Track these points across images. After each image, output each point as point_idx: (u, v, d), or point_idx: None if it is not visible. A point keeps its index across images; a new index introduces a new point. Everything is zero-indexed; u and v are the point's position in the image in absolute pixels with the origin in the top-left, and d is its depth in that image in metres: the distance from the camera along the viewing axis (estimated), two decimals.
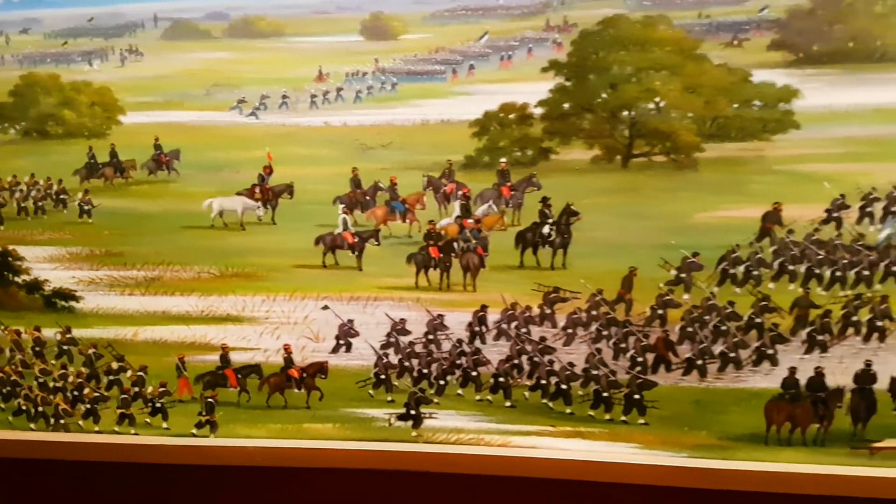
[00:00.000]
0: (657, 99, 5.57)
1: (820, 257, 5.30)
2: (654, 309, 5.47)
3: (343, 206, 5.89)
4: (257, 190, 6.03)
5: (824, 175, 5.35)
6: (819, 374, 5.15)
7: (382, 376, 5.77)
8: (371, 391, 5.80)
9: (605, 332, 5.55)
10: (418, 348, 5.75)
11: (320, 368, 5.84)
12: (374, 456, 5.65)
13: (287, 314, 5.87)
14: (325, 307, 5.79)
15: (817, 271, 5.32)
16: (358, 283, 5.94)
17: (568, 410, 5.68)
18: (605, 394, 5.52)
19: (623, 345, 5.53)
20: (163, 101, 6.03)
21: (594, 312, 5.60)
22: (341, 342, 5.83)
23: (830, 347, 5.19)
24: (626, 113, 5.62)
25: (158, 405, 6.13)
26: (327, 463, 5.63)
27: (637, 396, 5.43)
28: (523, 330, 5.67)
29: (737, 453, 5.34)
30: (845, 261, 5.29)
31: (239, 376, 5.97)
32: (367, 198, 5.95)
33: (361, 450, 5.69)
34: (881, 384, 5.12)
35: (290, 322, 5.87)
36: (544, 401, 5.69)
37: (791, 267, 5.39)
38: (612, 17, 5.54)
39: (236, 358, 5.94)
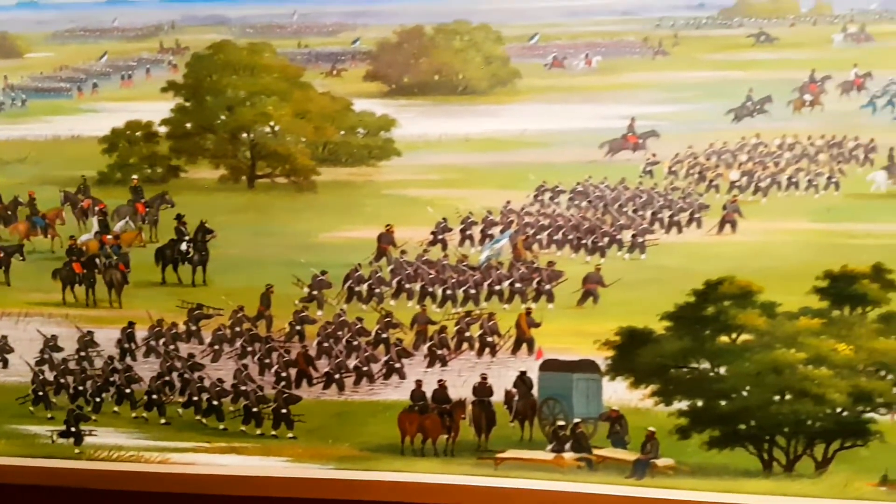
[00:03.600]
0: (272, 123, 5.55)
1: (431, 276, 5.41)
2: (293, 325, 5.53)
3: None
4: None
5: (427, 200, 5.48)
6: (442, 387, 5.34)
7: (40, 393, 5.81)
8: (31, 408, 5.82)
9: (249, 348, 5.61)
10: (72, 365, 5.73)
11: None
12: (39, 472, 5.74)
13: None
14: None
15: (430, 289, 5.40)
16: (7, 299, 5.93)
17: (221, 426, 5.71)
18: (254, 409, 5.63)
19: (267, 360, 5.59)
20: None
21: (238, 329, 5.64)
22: None
23: (450, 361, 5.36)
24: (245, 135, 5.60)
25: None
26: None
27: (284, 411, 5.57)
28: (171, 347, 5.69)
29: (377, 464, 5.45)
30: (453, 279, 5.39)
31: None
32: (9, 213, 5.83)
33: (26, 466, 5.76)
34: (498, 396, 5.23)
35: None
36: (198, 417, 5.71)
37: (407, 285, 5.47)
38: (219, 43, 5.57)
39: None
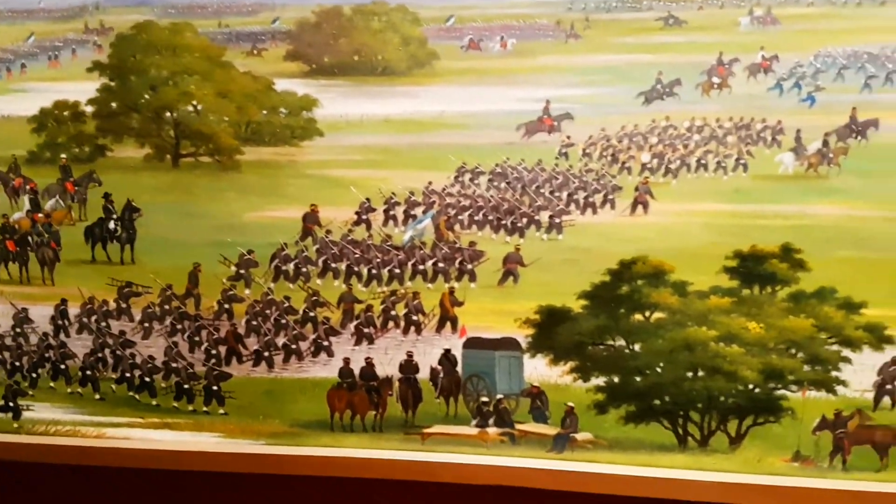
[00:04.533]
0: (194, 102, 5.58)
1: (357, 256, 5.48)
2: (221, 303, 5.61)
3: None
4: None
5: (350, 180, 5.51)
6: (369, 365, 5.42)
7: None
8: None
9: (179, 326, 5.69)
10: (8, 341, 5.80)
11: None
12: None
13: None
14: None
15: (356, 269, 5.50)
16: None
17: (154, 402, 5.79)
18: (185, 385, 5.72)
19: (197, 338, 5.67)
20: None
21: (167, 307, 5.70)
22: None
23: (376, 339, 5.44)
24: (168, 114, 5.62)
25: None
26: None
27: (215, 387, 5.66)
28: (103, 324, 5.76)
29: (307, 440, 5.54)
30: (378, 259, 5.48)
31: None
32: None
33: None
34: (423, 373, 5.36)
35: None
36: (131, 393, 5.80)
37: (333, 265, 5.56)
38: (142, 23, 5.57)
39: None
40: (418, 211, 5.52)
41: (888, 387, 4.87)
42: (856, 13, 5.04)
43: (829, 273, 4.88)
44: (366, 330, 5.47)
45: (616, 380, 5.14)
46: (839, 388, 4.95)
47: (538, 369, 5.29)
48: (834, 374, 4.95)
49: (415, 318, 5.44)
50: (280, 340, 5.64)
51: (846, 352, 4.91)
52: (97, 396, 5.89)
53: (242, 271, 5.56)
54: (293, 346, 5.55)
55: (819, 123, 5.12)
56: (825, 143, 5.10)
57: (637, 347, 5.09)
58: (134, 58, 5.54)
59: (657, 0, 5.30)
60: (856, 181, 5.01)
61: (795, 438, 4.96)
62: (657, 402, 5.07)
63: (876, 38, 5.10)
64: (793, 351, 4.93)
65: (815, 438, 4.94)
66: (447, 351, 5.42)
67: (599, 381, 5.16)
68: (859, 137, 5.03)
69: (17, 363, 5.89)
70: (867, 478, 4.84)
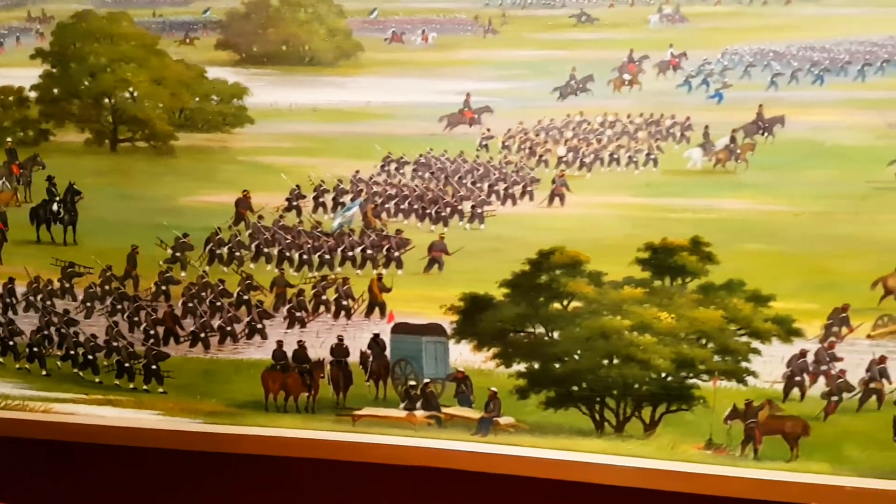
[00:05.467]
0: (131, 89, 5.70)
1: (288, 241, 5.62)
2: (158, 285, 5.76)
3: None
4: None
5: (281, 167, 5.64)
6: (302, 347, 5.56)
7: None
8: None
9: (119, 306, 5.83)
10: None
11: None
12: None
13: None
14: None
15: (288, 254, 5.64)
16: None
17: (97, 379, 5.95)
18: (126, 364, 5.87)
19: (136, 318, 5.82)
20: None
21: (107, 287, 5.86)
22: None
23: (308, 323, 5.57)
24: (107, 100, 5.74)
25: None
26: None
27: (154, 366, 5.81)
28: (48, 302, 5.92)
29: (243, 419, 5.69)
30: (309, 245, 5.61)
31: None
32: None
33: None
34: (353, 357, 5.52)
35: None
36: (75, 370, 5.95)
37: (266, 249, 5.69)
38: (81, 12, 5.70)
39: None
40: (347, 199, 5.64)
41: (797, 379, 4.96)
42: (762, 12, 5.12)
43: (738, 266, 4.96)
44: (298, 314, 5.59)
45: (536, 366, 5.25)
46: (749, 379, 5.05)
47: (463, 355, 5.40)
48: (744, 364, 5.04)
49: (345, 303, 5.56)
50: (215, 322, 5.76)
51: (755, 343, 5.01)
52: (44, 373, 6.03)
53: (178, 254, 5.68)
54: (228, 328, 5.69)
55: (727, 120, 5.21)
56: (732, 140, 5.18)
57: (556, 335, 5.21)
58: (74, 45, 5.67)
59: None
60: (762, 176, 5.09)
61: (708, 427, 5.06)
62: (575, 388, 5.18)
63: (782, 37, 5.19)
64: (703, 341, 5.03)
65: (727, 427, 5.03)
66: (376, 335, 5.55)
67: (521, 367, 5.27)
68: (766, 134, 5.11)
69: None
70: (778, 467, 4.95)
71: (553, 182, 5.48)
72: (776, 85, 5.20)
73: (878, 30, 5.09)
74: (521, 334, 5.30)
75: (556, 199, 5.38)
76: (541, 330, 5.25)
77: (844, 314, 4.94)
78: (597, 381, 5.15)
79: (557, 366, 5.25)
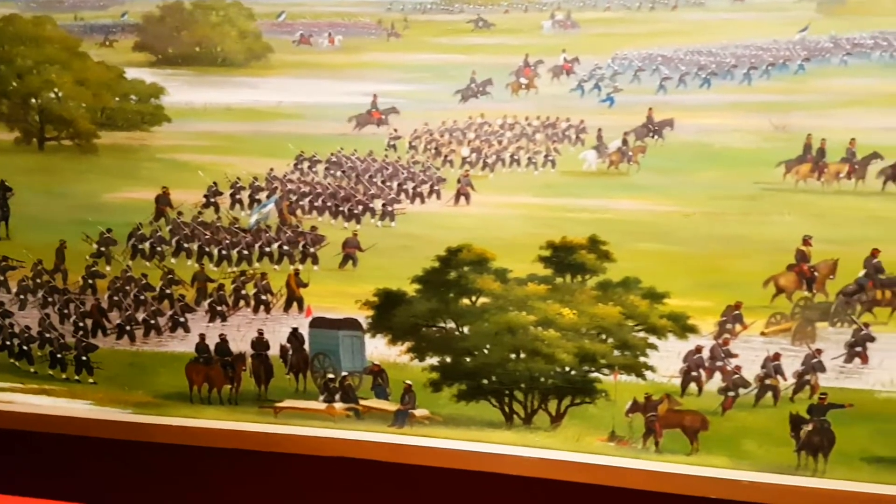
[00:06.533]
0: (56, 89, 5.84)
1: (207, 237, 5.76)
2: (85, 279, 5.91)
3: None
4: None
5: (198, 164, 5.80)
6: (223, 341, 5.70)
7: None
8: None
9: (50, 299, 5.99)
10: None
11: None
12: None
13: None
14: None
15: (207, 249, 5.79)
16: None
17: (32, 369, 6.11)
18: (59, 355, 6.02)
19: (66, 310, 5.97)
20: None
21: (38, 280, 6.01)
22: None
23: (229, 317, 5.72)
24: (33, 100, 5.88)
25: None
26: None
27: (84, 358, 5.96)
28: None
29: (169, 410, 5.86)
30: (227, 241, 5.75)
31: None
32: None
33: None
34: (274, 350, 5.66)
35: None
36: (12, 360, 6.12)
37: (186, 245, 5.83)
38: (8, 16, 5.86)
39: None
40: (262, 196, 5.75)
41: (694, 374, 5.06)
42: (649, 17, 5.22)
43: (634, 264, 5.09)
44: (219, 308, 5.74)
45: (448, 360, 5.40)
46: (648, 374, 5.18)
47: (378, 349, 5.54)
48: (642, 359, 5.17)
49: (263, 297, 5.69)
50: (140, 315, 5.88)
51: (652, 339, 5.14)
52: None
53: (103, 249, 5.81)
54: (152, 322, 5.83)
55: (619, 123, 5.31)
56: (624, 142, 5.30)
57: (466, 330, 5.34)
58: (2, 48, 5.77)
59: (467, 3, 5.42)
60: (654, 178, 5.20)
61: (610, 419, 5.20)
62: (485, 381, 5.32)
63: (669, 42, 5.30)
64: (603, 336, 5.16)
65: (629, 420, 5.17)
66: (295, 330, 5.69)
67: (434, 360, 5.41)
68: (656, 136, 5.21)
69: None
70: (679, 460, 5.08)
71: (458, 182, 5.61)
72: (665, 89, 5.31)
73: (763, 34, 5.18)
74: (434, 329, 5.43)
75: (462, 199, 5.51)
76: (452, 325, 5.37)
77: (738, 312, 5.03)
78: (505, 374, 5.26)
79: (468, 360, 5.38)
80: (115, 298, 5.90)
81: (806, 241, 4.92)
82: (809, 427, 4.93)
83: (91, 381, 5.97)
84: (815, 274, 4.97)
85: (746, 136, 5.09)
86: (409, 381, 5.49)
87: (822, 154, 4.99)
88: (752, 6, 5.09)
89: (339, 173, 5.78)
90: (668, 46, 5.38)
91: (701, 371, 5.12)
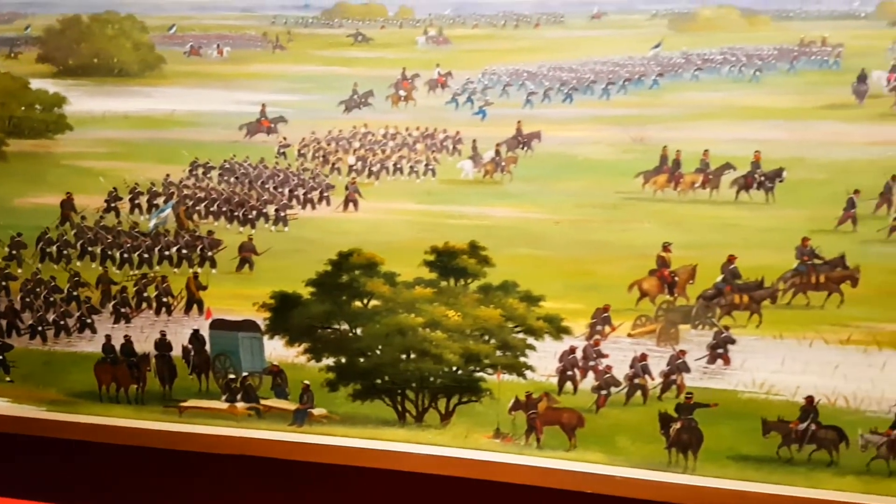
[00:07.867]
0: None
1: (109, 241, 5.94)
2: None
3: None
4: None
5: (99, 170, 6.00)
6: (128, 342, 5.86)
7: None
8: None
9: None
10: None
11: None
12: None
13: None
14: None
15: (109, 253, 5.96)
16: None
17: None
18: None
19: None
20: None
21: None
22: None
23: (132, 319, 5.88)
24: None
25: None
26: None
27: (0, 357, 6.12)
28: None
29: (80, 408, 6.01)
30: (128, 244, 5.93)
31: None
32: None
33: None
34: (177, 351, 5.82)
35: None
36: None
37: (90, 248, 6.00)
38: None
39: None
40: (160, 201, 5.90)
41: (569, 373, 5.24)
42: (514, 34, 5.43)
43: (511, 269, 5.27)
44: (122, 310, 5.91)
45: (343, 360, 5.57)
46: (528, 373, 5.35)
47: (277, 350, 5.70)
48: (522, 359, 5.35)
49: (165, 299, 5.85)
50: (50, 316, 6.04)
51: (531, 339, 5.32)
52: None
53: (14, 252, 5.96)
54: (62, 322, 6.00)
55: (491, 135, 5.51)
56: (497, 153, 5.47)
57: (359, 331, 5.52)
58: None
59: (346, 18, 5.61)
60: (525, 187, 5.40)
61: (495, 417, 5.37)
62: (379, 381, 5.49)
63: (533, 58, 5.50)
64: (486, 337, 5.34)
65: (512, 418, 5.33)
66: (196, 331, 5.86)
67: (329, 361, 5.58)
68: (525, 148, 5.41)
69: None
70: (558, 456, 5.25)
71: (346, 188, 5.77)
72: (531, 103, 5.50)
73: (619, 51, 5.36)
74: (328, 330, 5.60)
75: (351, 205, 5.69)
76: (345, 326, 5.55)
77: (606, 314, 5.20)
78: (397, 374, 5.45)
79: (362, 360, 5.56)
80: (27, 300, 6.02)
81: (666, 247, 5.07)
82: (678, 425, 5.08)
83: (8, 378, 6.11)
84: (676, 279, 5.12)
85: (607, 149, 5.29)
86: (307, 381, 5.65)
87: (678, 165, 5.14)
88: (609, 24, 5.27)
89: (232, 179, 5.95)
90: (533, 62, 5.59)
91: (576, 370, 5.28)
